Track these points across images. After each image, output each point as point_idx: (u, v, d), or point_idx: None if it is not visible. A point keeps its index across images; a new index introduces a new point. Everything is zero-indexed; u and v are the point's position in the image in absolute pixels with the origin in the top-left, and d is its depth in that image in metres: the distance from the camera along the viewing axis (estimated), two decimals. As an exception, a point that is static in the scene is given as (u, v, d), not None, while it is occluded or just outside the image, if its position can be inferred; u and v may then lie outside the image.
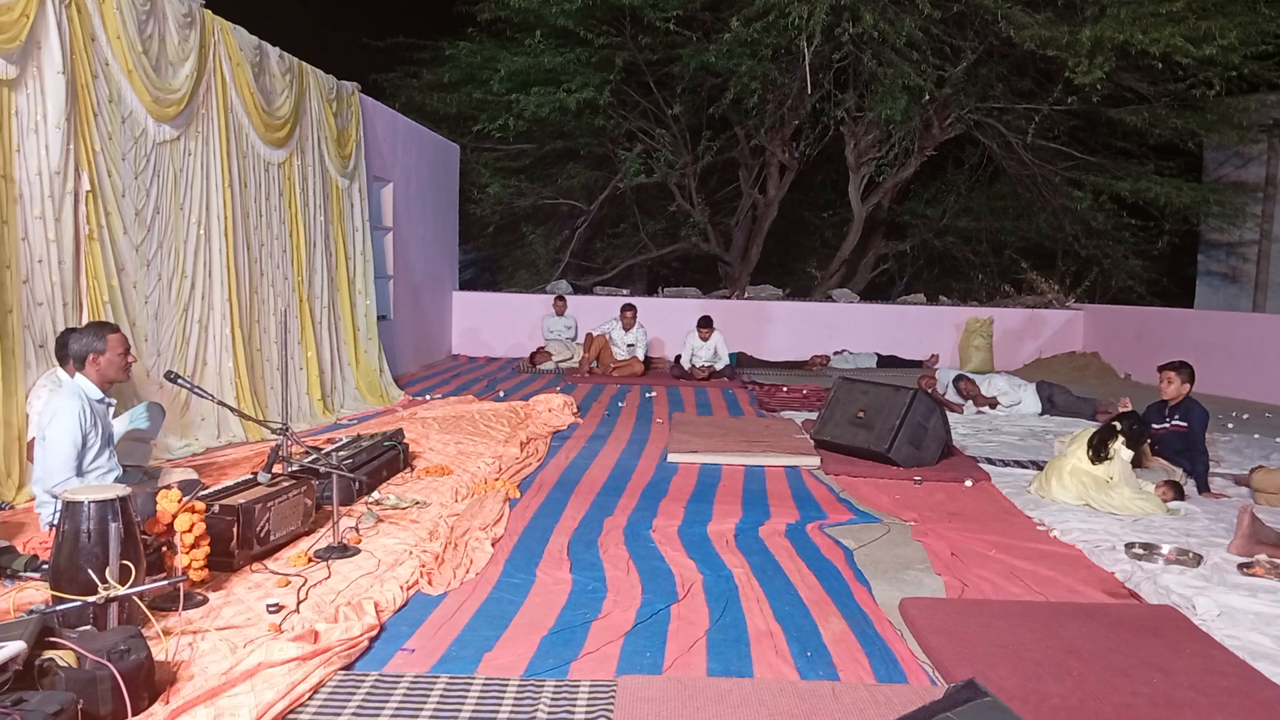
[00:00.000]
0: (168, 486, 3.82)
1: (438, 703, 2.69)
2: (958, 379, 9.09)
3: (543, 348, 11.79)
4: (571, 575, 3.82)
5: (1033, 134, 13.49)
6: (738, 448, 6.32)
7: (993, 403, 8.60)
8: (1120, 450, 5.17)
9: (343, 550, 3.94)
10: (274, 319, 7.11)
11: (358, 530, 4.26)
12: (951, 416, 7.12)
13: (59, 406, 3.84)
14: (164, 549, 3.41)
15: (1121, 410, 5.64)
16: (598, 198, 15.60)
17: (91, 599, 2.78)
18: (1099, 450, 5.18)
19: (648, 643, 3.16)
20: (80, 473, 3.83)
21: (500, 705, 2.68)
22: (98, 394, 3.94)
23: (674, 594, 3.62)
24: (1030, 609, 3.54)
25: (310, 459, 4.22)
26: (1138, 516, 4.91)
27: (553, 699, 2.72)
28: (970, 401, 8.73)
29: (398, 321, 10.28)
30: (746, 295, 14.82)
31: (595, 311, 12.56)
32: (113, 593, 2.78)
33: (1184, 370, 5.77)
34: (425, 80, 15.38)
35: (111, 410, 4.08)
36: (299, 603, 3.36)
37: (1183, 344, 10.39)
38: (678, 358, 10.99)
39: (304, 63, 7.68)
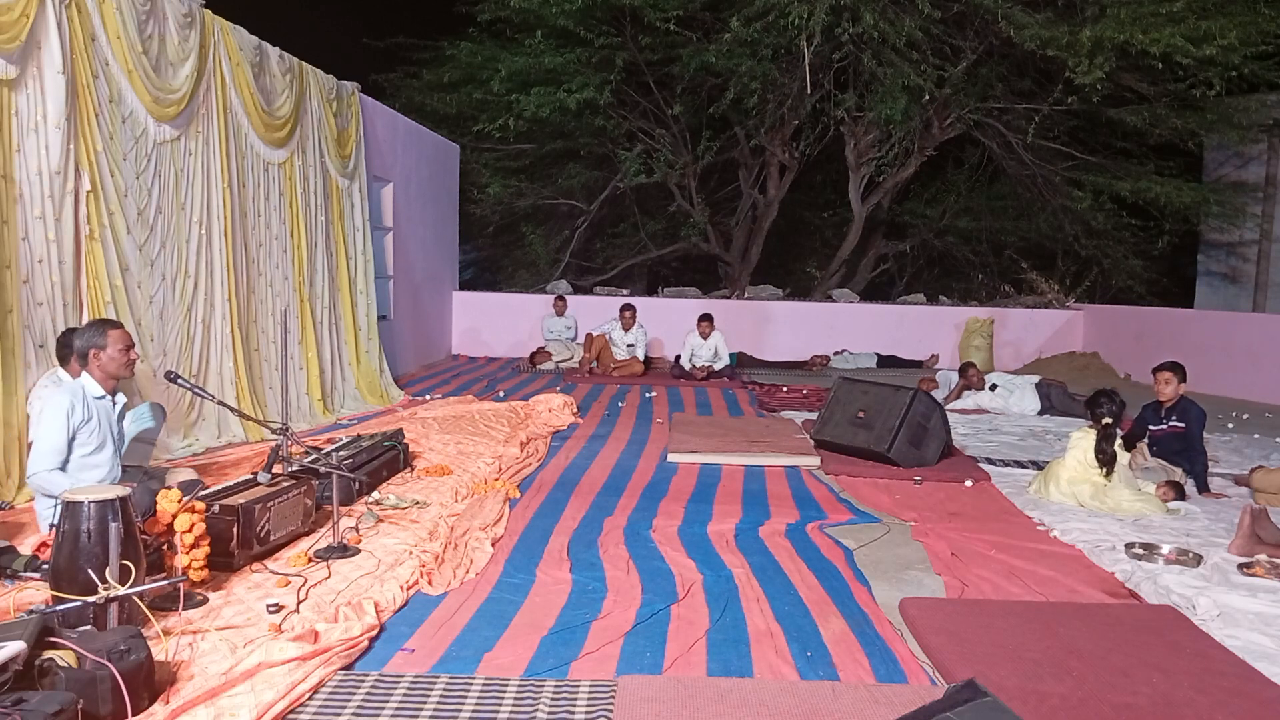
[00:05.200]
0: (168, 486, 3.82)
1: (438, 703, 2.69)
2: (965, 366, 9.16)
3: (543, 348, 11.78)
4: (571, 575, 3.82)
5: (1033, 134, 13.49)
6: (738, 448, 6.32)
7: (988, 386, 8.74)
8: (1119, 452, 5.15)
9: (343, 550, 3.94)
10: (272, 319, 7.11)
11: (358, 530, 4.26)
12: (951, 417, 7.13)
13: (48, 401, 3.90)
14: (164, 549, 3.41)
15: (1096, 394, 5.39)
16: (598, 198, 15.60)
17: (91, 599, 2.78)
18: (1110, 458, 5.08)
19: (648, 643, 3.16)
20: (64, 468, 3.81)
21: (500, 705, 2.68)
22: (99, 391, 3.93)
23: (674, 594, 3.62)
24: (1030, 609, 3.54)
25: (310, 459, 4.22)
26: (1137, 517, 4.91)
27: (553, 699, 2.72)
28: (970, 389, 8.81)
29: (398, 321, 10.28)
30: (746, 295, 14.83)
31: (595, 311, 12.56)
32: (113, 593, 2.78)
33: (1180, 370, 5.78)
34: (425, 80, 15.37)
35: (118, 409, 4.07)
36: (299, 603, 3.36)
37: (1183, 344, 10.40)
38: (677, 358, 10.98)
39: (304, 63, 7.68)
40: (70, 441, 3.80)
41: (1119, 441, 5.16)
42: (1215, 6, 11.58)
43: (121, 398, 4.10)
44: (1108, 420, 5.18)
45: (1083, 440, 5.25)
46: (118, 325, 4.04)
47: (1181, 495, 5.27)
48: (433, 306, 11.97)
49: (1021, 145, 13.90)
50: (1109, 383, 11.24)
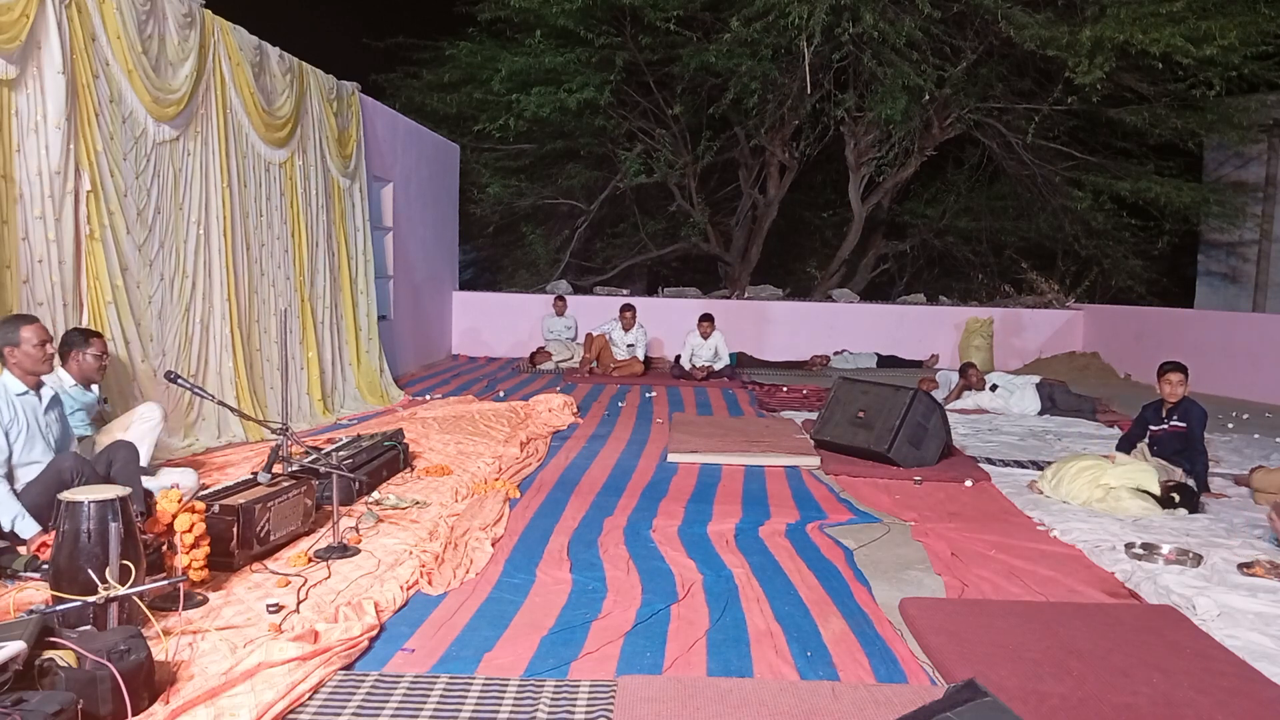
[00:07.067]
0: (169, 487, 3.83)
1: (438, 703, 2.69)
2: (965, 366, 9.17)
3: (543, 348, 11.78)
4: (571, 575, 3.82)
5: (1033, 134, 13.49)
6: (738, 448, 6.32)
7: (989, 386, 8.78)
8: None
9: (343, 550, 3.94)
10: (274, 319, 7.11)
11: (358, 530, 4.26)
12: (952, 417, 7.13)
13: None
14: (164, 549, 3.41)
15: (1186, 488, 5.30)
16: (598, 198, 15.59)
17: (91, 599, 2.78)
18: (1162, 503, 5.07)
19: (648, 643, 3.16)
20: (10, 474, 3.77)
21: (500, 705, 2.68)
22: (20, 388, 3.89)
23: (674, 594, 3.62)
24: (1030, 609, 3.54)
25: (310, 459, 4.22)
26: (1137, 517, 4.91)
27: (553, 699, 2.72)
28: (970, 390, 8.82)
29: (398, 321, 10.28)
30: (746, 295, 14.82)
31: (595, 311, 12.56)
32: (113, 593, 2.78)
33: (1184, 371, 5.78)
34: (425, 80, 15.38)
35: (45, 402, 4.01)
36: (299, 603, 3.36)
37: (1183, 344, 10.40)
38: (678, 358, 10.98)
39: (304, 63, 7.67)
40: (8, 446, 3.78)
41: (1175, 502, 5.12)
42: (1215, 6, 11.58)
43: (48, 391, 4.04)
44: (1175, 495, 5.10)
45: (1144, 476, 5.15)
46: (32, 320, 4.02)
47: (1190, 504, 5.17)
48: (433, 306, 11.97)
49: (1021, 145, 13.90)
50: (1109, 383, 11.26)
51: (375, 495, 4.89)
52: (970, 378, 8.99)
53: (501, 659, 3.00)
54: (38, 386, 3.99)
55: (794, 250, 18.04)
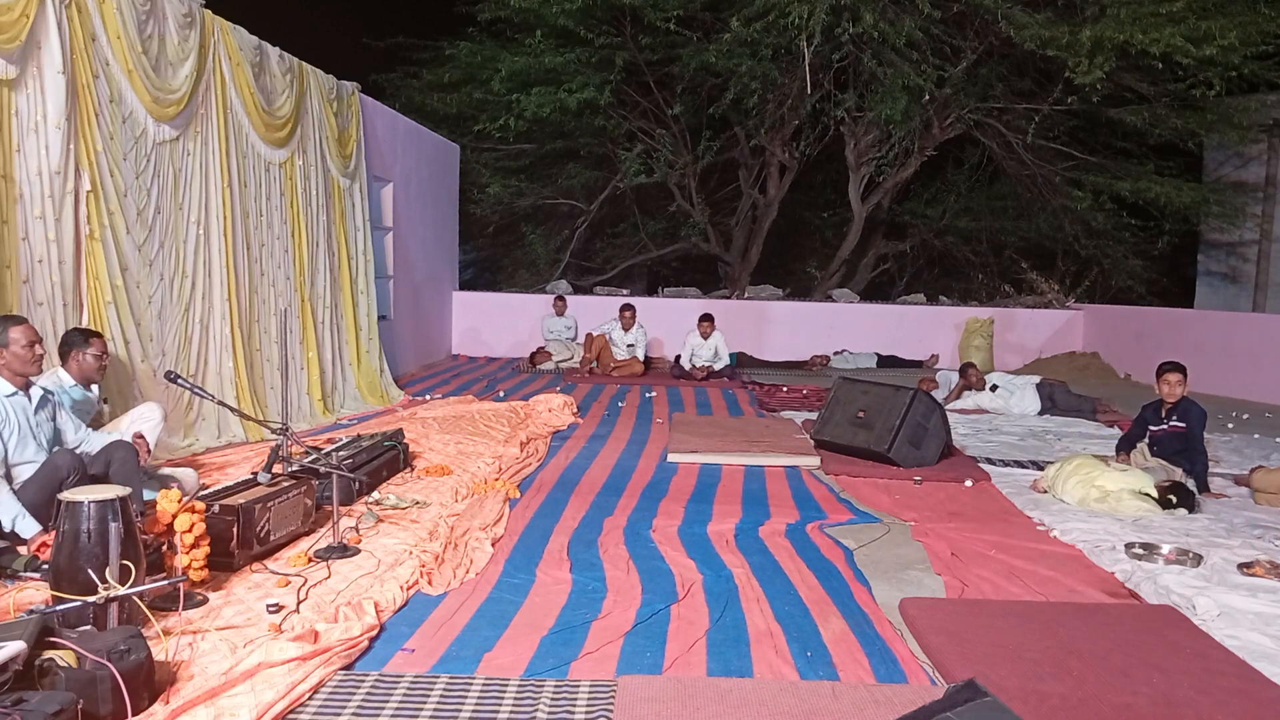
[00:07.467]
0: (168, 486, 3.83)
1: (438, 703, 2.69)
2: (965, 366, 9.17)
3: (543, 348, 11.78)
4: (571, 575, 3.82)
5: (1033, 134, 13.49)
6: (738, 448, 6.32)
7: (989, 386, 8.79)
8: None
9: (343, 550, 3.94)
10: (274, 319, 7.11)
11: (358, 530, 4.26)
12: (952, 417, 7.12)
13: None
14: (164, 549, 3.41)
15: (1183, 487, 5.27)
16: (598, 198, 15.59)
17: (91, 599, 2.78)
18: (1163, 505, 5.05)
19: (648, 643, 3.16)
20: (8, 475, 3.77)
21: (500, 705, 2.68)
22: (9, 389, 3.88)
23: (674, 594, 3.62)
24: (1030, 609, 3.54)
25: (310, 459, 4.22)
26: (1137, 517, 4.91)
27: (553, 699, 2.72)
28: (970, 390, 8.82)
29: (398, 321, 10.28)
30: (746, 295, 14.83)
31: (595, 311, 12.56)
32: (113, 593, 2.78)
33: (1183, 371, 5.77)
34: (425, 80, 15.38)
35: (35, 401, 4.00)
36: (299, 603, 3.36)
37: (1183, 344, 10.40)
38: (678, 358, 10.98)
39: (304, 63, 7.67)
40: (5, 444, 3.78)
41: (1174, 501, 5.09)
42: (1215, 6, 11.58)
43: (37, 391, 4.03)
44: (1172, 497, 5.07)
45: (1141, 481, 5.13)
46: (21, 321, 4.00)
47: (1187, 504, 5.16)
48: (433, 306, 11.97)
49: (1021, 145, 13.90)
50: (1109, 383, 11.26)
51: (375, 495, 4.89)
52: (970, 378, 9.00)
53: (501, 659, 3.00)
54: (26, 387, 3.98)
55: (794, 250, 18.04)
